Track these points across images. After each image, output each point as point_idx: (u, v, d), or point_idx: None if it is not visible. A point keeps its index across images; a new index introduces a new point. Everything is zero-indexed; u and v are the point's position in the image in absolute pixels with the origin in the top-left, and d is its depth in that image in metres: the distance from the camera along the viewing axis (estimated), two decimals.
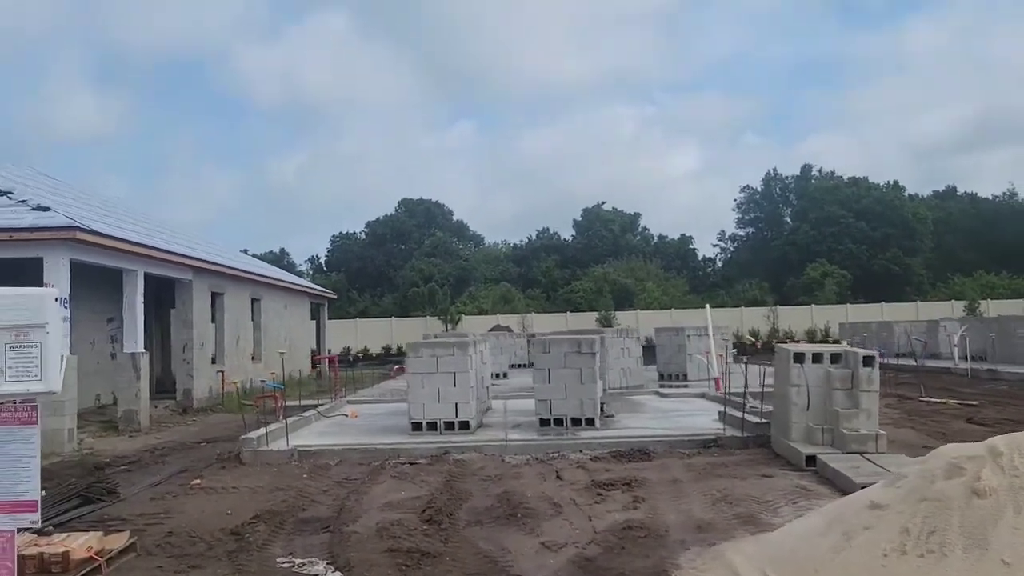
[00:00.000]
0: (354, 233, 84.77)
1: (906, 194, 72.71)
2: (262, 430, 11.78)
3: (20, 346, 4.78)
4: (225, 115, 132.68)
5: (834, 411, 9.77)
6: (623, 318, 46.80)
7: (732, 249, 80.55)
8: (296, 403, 19.92)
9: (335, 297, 36.17)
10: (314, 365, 28.81)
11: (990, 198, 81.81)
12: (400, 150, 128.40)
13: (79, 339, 17.45)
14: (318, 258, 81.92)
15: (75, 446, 14.07)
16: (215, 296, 21.13)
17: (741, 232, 79.90)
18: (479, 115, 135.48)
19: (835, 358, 10.10)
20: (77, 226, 13.67)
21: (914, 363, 20.68)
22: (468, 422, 12.24)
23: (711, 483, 9.20)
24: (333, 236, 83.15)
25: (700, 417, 13.43)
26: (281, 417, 12.72)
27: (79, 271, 14.65)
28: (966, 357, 22.05)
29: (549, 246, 75.73)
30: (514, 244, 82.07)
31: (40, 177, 21.36)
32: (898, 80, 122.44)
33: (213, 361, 20.89)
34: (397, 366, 26.43)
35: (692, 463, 10.31)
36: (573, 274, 69.13)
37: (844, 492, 8.24)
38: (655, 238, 78.66)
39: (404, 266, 66.31)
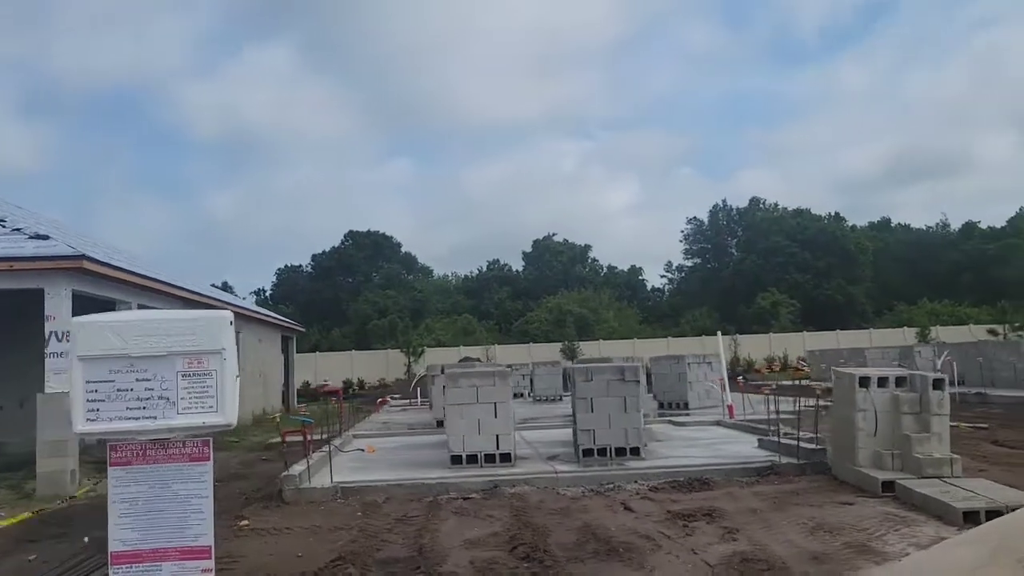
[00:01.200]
0: (300, 266, 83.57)
1: (848, 225, 74.71)
2: (299, 467, 11.18)
3: (194, 374, 4.32)
4: (161, 148, 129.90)
5: (904, 436, 9.68)
6: (586, 348, 46.74)
7: (680, 279, 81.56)
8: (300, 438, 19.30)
9: (304, 330, 35.28)
10: (316, 398, 27.53)
11: (923, 229, 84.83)
12: (342, 183, 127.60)
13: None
14: (264, 291, 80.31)
15: (77, 488, 13.21)
16: None
17: (688, 263, 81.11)
18: (421, 149, 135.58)
19: (899, 382, 10.03)
20: (84, 255, 12.96)
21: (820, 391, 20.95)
22: (509, 454, 11.85)
23: (793, 512, 8.99)
24: (279, 269, 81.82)
25: (737, 445, 13.27)
26: (311, 452, 12.13)
27: None
28: (952, 382, 22.39)
29: (501, 278, 75.66)
30: (464, 276, 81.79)
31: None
32: (825, 117, 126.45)
33: None
34: (380, 399, 25.74)
35: (759, 491, 10.09)
36: (526, 305, 69.06)
37: (941, 518, 8.15)
38: (605, 269, 79.17)
39: (357, 298, 65.29)
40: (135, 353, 4.30)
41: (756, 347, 47.81)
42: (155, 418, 4.31)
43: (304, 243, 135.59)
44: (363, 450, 14.79)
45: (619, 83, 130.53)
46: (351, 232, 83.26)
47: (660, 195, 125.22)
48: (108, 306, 15.85)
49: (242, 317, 24.16)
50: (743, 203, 79.92)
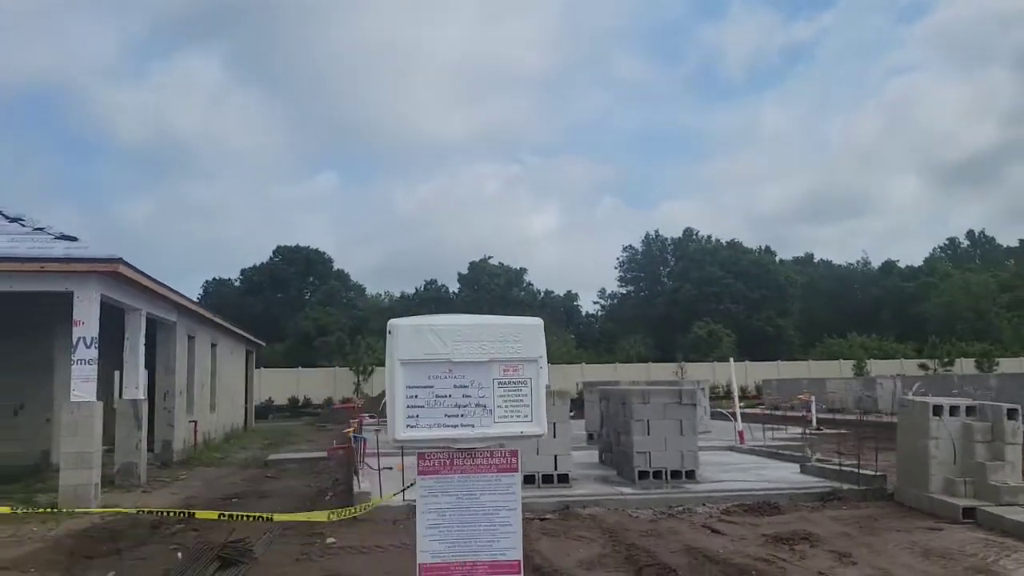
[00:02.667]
0: (228, 279, 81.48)
1: (777, 259, 77.14)
2: (366, 483, 10.86)
3: (510, 382, 4.18)
4: (76, 152, 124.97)
5: (978, 463, 10.01)
6: None
7: (613, 306, 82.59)
8: (297, 455, 18.72)
9: (264, 345, 34.35)
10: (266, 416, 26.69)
11: (844, 265, 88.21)
12: (267, 197, 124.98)
13: (60, 383, 15.83)
14: None
15: (100, 503, 12.55)
16: (190, 340, 19.61)
17: (622, 290, 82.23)
18: (349, 166, 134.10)
19: (969, 410, 10.39)
20: (121, 259, 12.39)
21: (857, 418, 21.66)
22: (567, 475, 11.79)
23: (886, 536, 9.18)
24: (206, 281, 79.55)
25: (777, 471, 13.51)
26: (364, 469, 11.82)
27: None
28: None
29: (437, 299, 75.20)
30: (400, 295, 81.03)
31: None
32: (747, 153, 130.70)
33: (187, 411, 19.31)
34: (355, 418, 25.11)
35: (835, 516, 10.28)
36: None
37: None
38: (542, 293, 79.61)
39: (295, 315, 63.95)
40: (456, 358, 4.13)
41: (700, 375, 48.64)
42: (473, 426, 4.14)
43: (229, 256, 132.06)
44: (391, 468, 14.44)
45: (548, 110, 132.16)
46: (280, 247, 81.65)
47: (586, 222, 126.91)
48: (117, 313, 15.22)
49: (218, 328, 23.43)
50: (675, 233, 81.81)
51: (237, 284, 79.94)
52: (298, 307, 71.38)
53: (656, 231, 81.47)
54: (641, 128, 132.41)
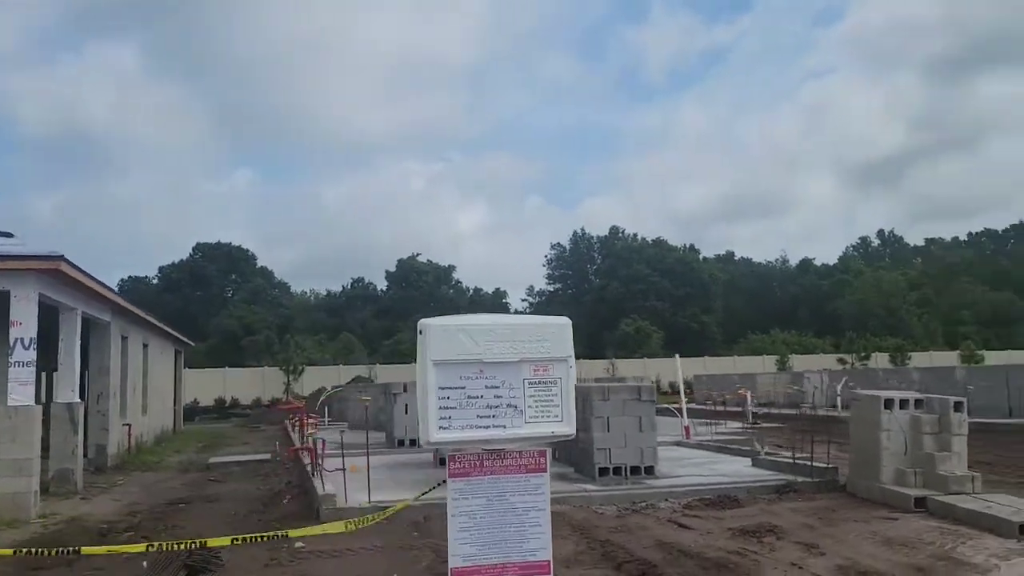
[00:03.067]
0: (145, 277, 79.11)
1: (701, 257, 78.79)
2: (320, 486, 10.67)
3: (540, 382, 4.17)
4: None
5: (927, 454, 10.41)
6: None
7: (541, 303, 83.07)
8: (239, 458, 18.21)
9: (192, 344, 33.40)
10: (193, 417, 25.83)
11: (764, 263, 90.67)
12: (185, 193, 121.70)
13: None
14: None
15: (39, 511, 12.05)
16: (123, 340, 18.96)
17: (550, 288, 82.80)
18: (269, 161, 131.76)
19: (918, 404, 10.80)
20: (63, 256, 11.90)
21: (795, 412, 22.34)
22: None
23: (847, 527, 9.45)
24: (122, 279, 76.94)
25: (729, 464, 13.78)
26: (322, 471, 11.61)
27: None
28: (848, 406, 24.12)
29: (365, 296, 74.49)
30: (326, 293, 79.96)
31: None
32: (668, 152, 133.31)
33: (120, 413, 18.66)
34: (299, 417, 24.55)
35: (794, 508, 10.55)
36: (392, 325, 68.31)
37: (993, 531, 8.81)
38: (471, 291, 79.55)
39: (219, 313, 62.40)
40: (488, 359, 4.10)
41: (631, 371, 49.33)
42: (504, 427, 4.11)
43: (146, 253, 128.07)
44: (344, 469, 14.22)
45: (474, 107, 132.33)
46: (201, 244, 79.68)
47: (512, 219, 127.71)
48: (51, 312, 14.62)
49: (149, 328, 22.70)
50: (601, 231, 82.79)
51: (155, 282, 77.66)
52: (220, 305, 69.70)
53: (583, 229, 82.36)
54: (565, 127, 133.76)
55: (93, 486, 15.09)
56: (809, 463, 11.82)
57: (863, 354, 49.83)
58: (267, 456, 18.44)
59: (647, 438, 12.10)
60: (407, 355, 55.38)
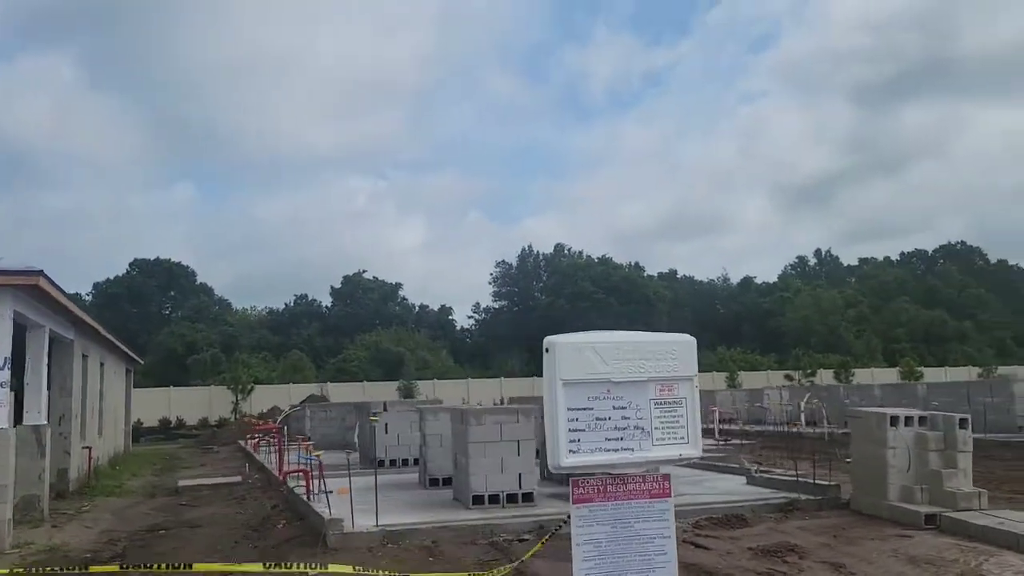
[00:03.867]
0: (78, 294, 76.52)
1: (646, 275, 79.55)
2: (327, 510, 10.25)
3: (666, 402, 3.99)
4: None
5: (933, 471, 10.49)
6: (423, 387, 46.27)
7: (487, 320, 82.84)
8: (208, 481, 17.40)
9: (142, 363, 32.24)
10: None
11: (706, 281, 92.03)
12: (122, 208, 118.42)
13: None
14: None
15: (12, 540, 11.37)
16: (83, 359, 18.16)
17: (496, 304, 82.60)
18: (212, 177, 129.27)
19: (922, 421, 10.89)
20: (42, 272, 11.31)
21: (760, 429, 22.62)
22: (532, 493, 11.58)
23: (865, 545, 9.44)
24: None
25: (721, 482, 13.75)
26: (322, 494, 11.18)
27: None
28: (813, 422, 24.47)
29: (309, 313, 73.28)
30: (269, 310, 78.39)
31: None
32: (609, 171, 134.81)
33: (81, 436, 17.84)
34: (255, 438, 23.87)
35: (803, 526, 10.52)
36: (337, 342, 67.34)
37: (1012, 548, 8.88)
38: (417, 308, 78.92)
39: (157, 331, 60.66)
40: (616, 378, 3.90)
41: None
42: (632, 450, 3.90)
43: (80, 269, 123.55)
44: (331, 492, 13.77)
45: (416, 125, 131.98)
46: (138, 260, 77.59)
47: (456, 236, 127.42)
48: (17, 330, 13.89)
49: (105, 345, 21.85)
50: (546, 248, 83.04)
51: (89, 298, 75.18)
52: (159, 322, 67.91)
53: (530, 246, 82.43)
54: (508, 146, 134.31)
55: (58, 513, 14.35)
56: (811, 481, 11.83)
57: (809, 371, 50.77)
58: (237, 479, 17.79)
59: None
60: (355, 373, 54.58)
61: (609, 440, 3.89)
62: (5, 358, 11.31)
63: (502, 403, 33.85)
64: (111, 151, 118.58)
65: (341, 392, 43.97)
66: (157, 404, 42.18)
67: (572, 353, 3.90)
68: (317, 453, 10.64)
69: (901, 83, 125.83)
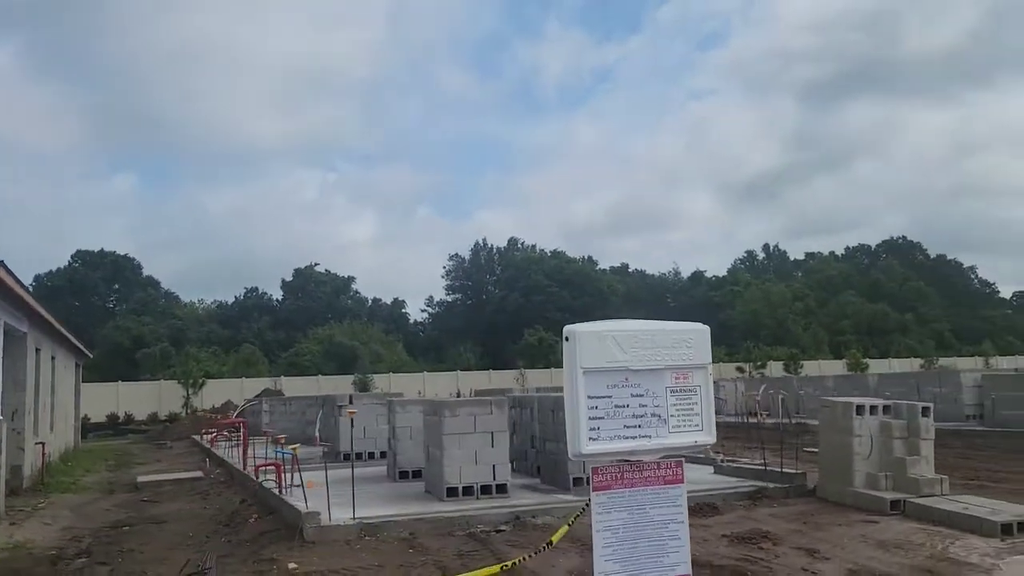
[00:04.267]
0: None
1: (599, 268, 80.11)
2: (303, 503, 10.18)
3: (681, 390, 4.06)
4: None
5: (898, 459, 10.80)
6: (379, 381, 46.02)
7: (440, 314, 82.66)
8: (168, 476, 17.07)
9: (92, 356, 31.48)
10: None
11: (656, 275, 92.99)
12: (61, 199, 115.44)
13: None
14: None
15: None
16: (36, 352, 17.72)
17: (449, 298, 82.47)
18: (154, 167, 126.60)
19: (885, 409, 11.20)
20: (2, 262, 11.06)
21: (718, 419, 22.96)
22: (505, 485, 11.63)
23: (833, 531, 9.68)
24: None
25: (693, 472, 13.72)
26: (297, 487, 11.09)
27: None
28: (767, 413, 24.91)
29: (260, 306, 72.31)
30: (215, 304, 77.13)
31: None
32: (560, 166, 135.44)
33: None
34: (212, 433, 23.49)
35: (774, 513, 10.75)
36: (289, 336, 66.60)
37: (975, 531, 9.17)
38: (369, 301, 78.38)
39: (101, 324, 59.31)
40: (634, 366, 3.96)
41: (539, 380, 49.60)
42: (649, 437, 3.97)
43: (17, 261, 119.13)
44: (300, 485, 13.65)
45: (367, 118, 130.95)
46: (81, 252, 75.82)
47: (406, 230, 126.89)
48: None
49: (56, 338, 21.35)
50: (499, 242, 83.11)
51: (29, 291, 73.25)
52: (103, 316, 66.44)
53: (484, 240, 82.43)
54: (459, 139, 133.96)
55: (14, 510, 14.01)
56: (778, 469, 12.08)
57: (759, 363, 51.66)
58: (199, 474, 17.54)
59: None
60: (308, 367, 54.05)
61: (627, 427, 3.95)
62: None
63: (458, 396, 33.89)
64: (50, 141, 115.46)
65: (295, 386, 43.53)
66: (105, 399, 41.25)
67: (592, 342, 3.95)
68: (294, 446, 10.51)
69: (845, 82, 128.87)
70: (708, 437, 4.11)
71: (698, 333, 4.17)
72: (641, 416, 3.96)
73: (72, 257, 75.01)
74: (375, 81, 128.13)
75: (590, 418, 3.87)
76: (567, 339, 4.02)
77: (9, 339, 16.07)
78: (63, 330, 19.87)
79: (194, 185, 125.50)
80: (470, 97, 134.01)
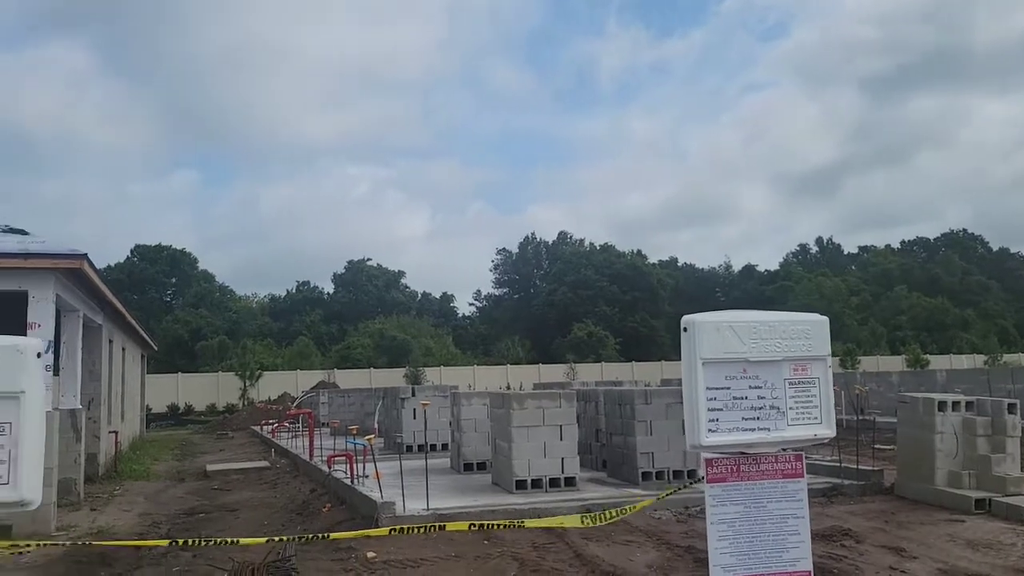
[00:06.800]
0: None
1: (648, 263, 79.50)
2: (378, 494, 10.22)
3: (800, 382, 3.95)
4: None
5: (982, 456, 10.48)
6: (429, 374, 46.27)
7: (488, 308, 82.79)
8: (235, 466, 17.42)
9: (156, 348, 32.15)
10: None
11: (706, 268, 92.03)
12: (123, 195, 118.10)
13: None
14: None
15: (56, 523, 11.36)
16: (109, 343, 18.12)
17: (497, 292, 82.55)
18: (214, 164, 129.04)
19: (968, 406, 10.89)
20: (86, 255, 11.26)
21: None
22: (574, 478, 11.57)
23: (918, 530, 9.44)
24: None
25: None
26: (372, 478, 11.14)
27: None
28: (850, 409, 24.46)
29: (312, 300, 73.14)
30: (270, 297, 78.21)
31: None
32: (612, 160, 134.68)
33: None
34: (273, 424, 23.83)
35: (852, 511, 10.51)
36: (340, 329, 67.25)
37: None
38: (419, 295, 78.81)
39: (159, 317, 60.49)
40: (753, 357, 3.86)
41: (589, 375, 49.48)
42: (768, 430, 3.87)
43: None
44: (367, 476, 13.74)
45: (421, 114, 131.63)
46: (139, 246, 77.36)
47: (458, 224, 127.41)
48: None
49: (127, 330, 21.79)
50: (548, 236, 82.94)
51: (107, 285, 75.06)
52: (161, 309, 67.74)
53: (533, 234, 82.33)
54: (511, 134, 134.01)
55: (92, 496, 14.34)
56: (854, 466, 11.83)
57: None
58: (264, 464, 17.78)
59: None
60: (359, 360, 54.50)
61: (746, 420, 3.86)
62: (49, 342, 11.24)
63: (508, 389, 33.87)
64: (114, 138, 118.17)
65: (348, 379, 43.96)
66: (166, 390, 42.08)
67: (711, 332, 3.86)
68: (368, 437, 10.56)
69: (908, 74, 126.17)
70: (828, 430, 3.99)
71: (817, 324, 4.05)
72: (760, 408, 3.86)
73: (131, 252, 76.59)
74: (428, 77, 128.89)
75: (709, 409, 3.77)
76: (685, 329, 3.93)
77: (86, 330, 16.45)
78: (134, 322, 20.28)
79: (251, 181, 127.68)
80: (522, 92, 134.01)
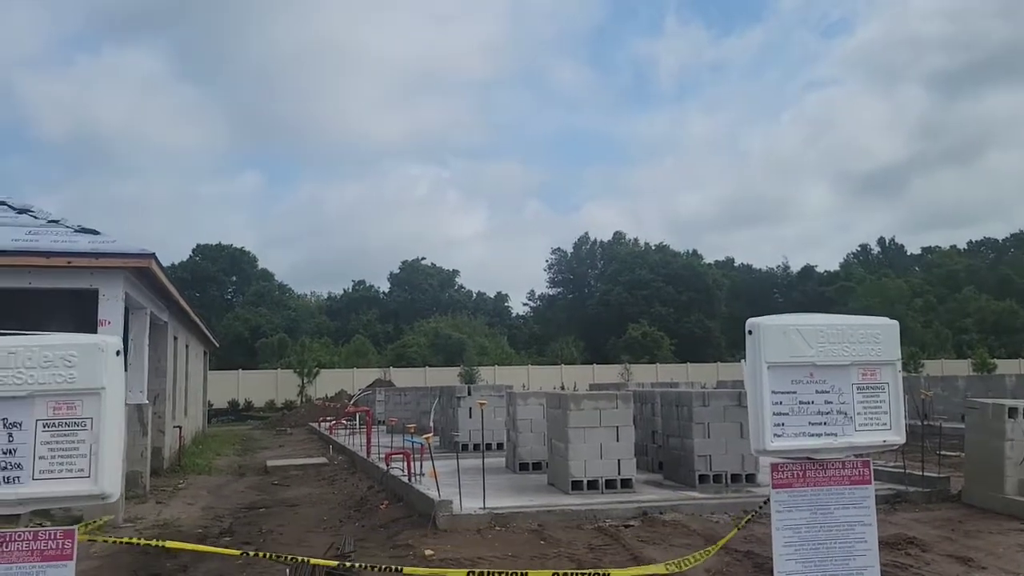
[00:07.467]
0: None
1: (704, 263, 78.72)
2: (436, 492, 10.32)
3: (869, 387, 3.89)
4: None
5: None
6: (483, 373, 46.48)
7: (542, 308, 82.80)
8: (295, 462, 17.80)
9: (217, 345, 32.86)
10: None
11: (763, 269, 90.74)
12: (188, 195, 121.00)
13: None
14: None
15: (124, 515, 11.69)
16: (175, 340, 18.59)
17: (552, 292, 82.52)
18: (275, 165, 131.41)
19: None
20: (154, 254, 11.56)
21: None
22: (631, 480, 11.52)
23: (987, 539, 9.19)
24: None
25: None
26: (427, 476, 11.24)
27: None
28: (917, 414, 23.93)
29: (368, 299, 73.98)
30: (328, 296, 79.36)
31: None
32: (670, 159, 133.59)
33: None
34: (331, 421, 24.14)
35: (917, 518, 10.29)
36: (396, 328, 67.88)
37: None
38: (473, 294, 79.19)
39: (220, 315, 61.79)
40: (820, 361, 3.83)
41: (644, 376, 49.20)
42: (836, 435, 3.84)
43: None
44: (423, 475, 13.87)
45: (478, 114, 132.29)
46: (201, 246, 79.12)
47: (513, 224, 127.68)
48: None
49: (190, 327, 22.33)
50: (604, 236, 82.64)
51: (174, 283, 76.95)
52: (221, 307, 69.14)
53: (587, 234, 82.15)
54: (568, 133, 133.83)
55: (158, 490, 14.72)
56: (919, 473, 11.58)
57: None
58: (323, 460, 18.07)
59: (747, 444, 11.79)
60: (414, 359, 54.96)
61: (813, 424, 3.82)
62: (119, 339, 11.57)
63: (574, 389, 33.88)
64: (181, 140, 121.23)
65: (404, 377, 44.37)
66: (226, 386, 42.98)
67: (777, 335, 3.83)
68: (426, 436, 10.67)
69: (978, 71, 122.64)
70: (897, 436, 3.93)
71: (886, 328, 3.99)
72: (827, 413, 3.82)
73: (193, 251, 78.38)
74: (487, 77, 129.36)
75: (775, 414, 3.74)
76: (750, 332, 3.90)
77: (152, 328, 16.90)
78: (197, 320, 20.77)
79: (309, 181, 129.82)
80: (580, 91, 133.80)
